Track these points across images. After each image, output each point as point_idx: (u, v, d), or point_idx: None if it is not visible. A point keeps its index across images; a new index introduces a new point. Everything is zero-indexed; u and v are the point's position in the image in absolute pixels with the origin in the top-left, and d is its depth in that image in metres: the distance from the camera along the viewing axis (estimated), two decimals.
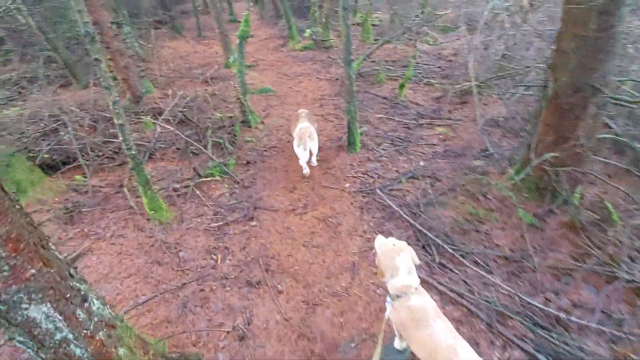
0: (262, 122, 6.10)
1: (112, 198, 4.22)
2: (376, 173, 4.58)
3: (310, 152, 4.45)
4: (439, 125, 5.73)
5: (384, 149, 5.07)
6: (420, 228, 3.48)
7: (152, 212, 3.83)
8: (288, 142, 5.57)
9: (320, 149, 5.23)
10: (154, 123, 5.52)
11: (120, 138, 3.29)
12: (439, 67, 8.44)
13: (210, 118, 5.82)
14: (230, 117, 6.07)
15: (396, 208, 3.79)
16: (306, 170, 4.55)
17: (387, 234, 3.55)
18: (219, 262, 3.46)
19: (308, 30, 11.02)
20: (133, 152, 3.38)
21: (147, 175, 3.59)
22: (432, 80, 7.60)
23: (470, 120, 5.76)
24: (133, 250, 3.57)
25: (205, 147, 5.04)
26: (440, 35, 10.15)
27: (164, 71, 8.16)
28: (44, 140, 4.62)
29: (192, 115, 5.88)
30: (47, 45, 7.75)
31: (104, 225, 3.86)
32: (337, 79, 7.77)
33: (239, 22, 14.74)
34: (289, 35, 10.64)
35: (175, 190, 4.31)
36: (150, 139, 5.23)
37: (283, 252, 3.52)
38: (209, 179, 4.53)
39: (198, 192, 4.32)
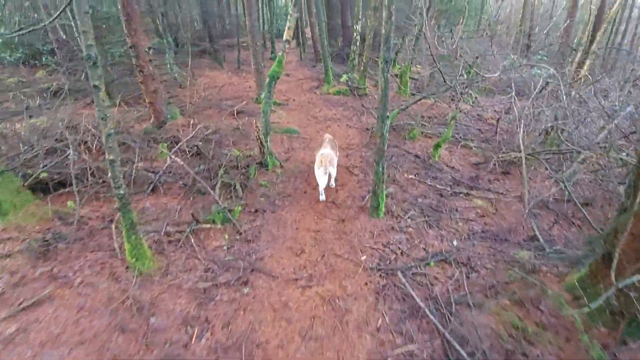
0: (281, 166, 5.57)
1: (97, 234, 3.69)
2: (399, 247, 3.85)
3: (330, 175, 4.72)
4: (477, 197, 5.00)
5: (411, 218, 4.36)
6: (450, 339, 2.68)
7: (133, 260, 3.25)
8: (305, 192, 4.98)
9: (339, 206, 4.61)
10: (167, 154, 5.11)
11: (109, 175, 2.80)
12: (478, 129, 7.83)
13: (226, 154, 5.36)
14: (249, 155, 5.61)
15: (420, 302, 3.01)
16: (322, 197, 4.72)
17: (407, 338, 2.77)
18: (193, 339, 2.77)
19: (344, 76, 10.82)
20: (121, 192, 2.87)
21: (133, 217, 3.05)
22: (470, 143, 6.96)
23: (514, 196, 5.00)
24: (99, 306, 2.95)
25: (214, 187, 4.51)
26: (481, 97, 9.64)
27: (194, 99, 7.98)
28: (45, 158, 4.25)
29: (208, 150, 5.45)
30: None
31: (77, 268, 3.29)
32: (367, 129, 7.28)
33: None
34: (325, 79, 10.45)
35: (167, 234, 3.74)
36: (159, 169, 4.78)
37: (273, 340, 2.79)
38: (208, 225, 3.94)
39: (193, 241, 3.73)
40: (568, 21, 15.25)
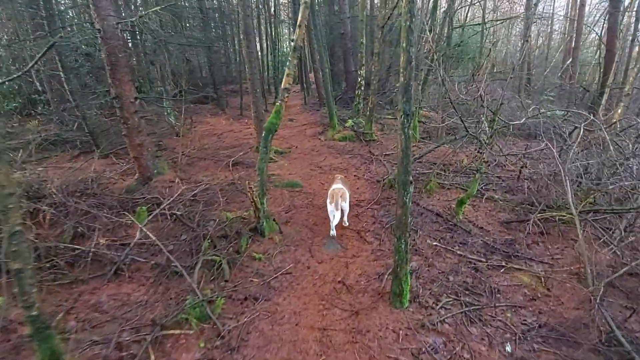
0: (281, 232, 4.63)
1: (26, 351, 2.69)
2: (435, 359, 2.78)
3: (342, 211, 4.59)
4: (519, 270, 3.96)
5: (445, 307, 3.32)
6: None
7: None
8: (308, 267, 3.99)
9: (350, 289, 3.60)
10: (143, 218, 4.22)
11: (16, 289, 1.87)
12: (498, 177, 6.91)
13: (214, 220, 4.45)
14: (243, 218, 4.69)
15: None
16: (333, 232, 4.58)
17: None
18: None
19: (350, 121, 10.18)
20: (34, 314, 1.92)
21: (54, 347, 2.06)
22: (495, 195, 6.01)
23: (568, 271, 3.96)
24: None
25: (194, 268, 3.55)
26: (500, 141, 8.81)
27: (188, 150, 7.26)
28: None
29: (194, 214, 4.56)
30: (76, 111, 7.20)
31: None
32: (378, 181, 6.39)
33: None
34: (330, 124, 9.80)
35: (119, 347, 2.73)
36: (130, 243, 3.86)
37: None
38: (177, 331, 2.93)
39: (153, 356, 2.70)
40: (570, 60, 14.87)
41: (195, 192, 5.30)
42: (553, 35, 22.83)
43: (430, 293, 3.49)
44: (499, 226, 5.08)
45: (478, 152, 5.46)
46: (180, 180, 5.77)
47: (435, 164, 7.34)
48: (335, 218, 4.45)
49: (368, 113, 9.21)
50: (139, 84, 10.17)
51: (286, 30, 28.07)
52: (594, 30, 13.86)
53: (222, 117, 11.80)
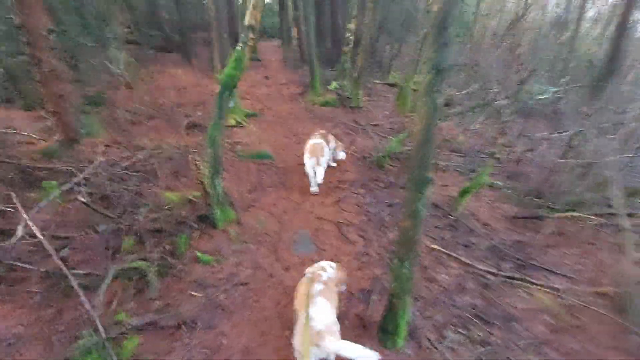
0: (239, 221, 3.53)
1: None
2: None
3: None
4: (537, 285, 3.12)
5: (451, 346, 2.42)
6: None
7: None
8: (271, 275, 2.97)
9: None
10: (56, 195, 2.98)
11: None
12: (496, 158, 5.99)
13: (148, 205, 3.27)
14: (191, 201, 3.53)
15: None
16: (314, 189, 4.28)
17: None
18: None
19: (334, 83, 8.84)
20: None
21: None
22: (498, 182, 5.12)
23: (587, 280, 3.15)
24: None
25: (101, 283, 2.43)
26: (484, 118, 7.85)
27: (134, 105, 5.82)
28: None
29: (121, 194, 3.35)
30: None
31: None
32: (365, 157, 5.30)
33: (260, 60, 12.83)
34: (311, 85, 8.44)
35: None
36: (16, 239, 2.64)
37: None
38: None
39: None
40: (568, 34, 13.81)
41: (130, 162, 4.02)
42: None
43: (432, 324, 2.56)
44: (505, 222, 4.21)
45: (500, 133, 4.42)
46: (112, 145, 4.45)
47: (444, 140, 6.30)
48: (316, 174, 4.11)
49: (356, 75, 7.91)
50: (84, 21, 8.23)
51: None
52: None
53: (188, 69, 10.07)
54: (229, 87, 3.06)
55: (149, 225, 2.98)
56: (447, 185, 4.84)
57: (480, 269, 3.20)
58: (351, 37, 8.85)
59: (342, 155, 4.87)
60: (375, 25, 9.92)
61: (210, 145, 3.15)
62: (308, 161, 4.11)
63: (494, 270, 3.22)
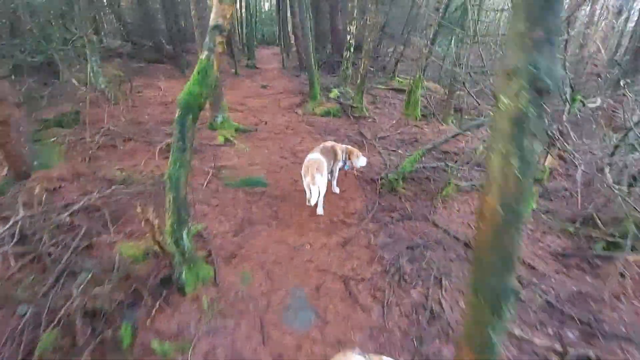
0: (216, 282, 2.68)
1: None
2: None
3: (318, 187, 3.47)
4: None
5: None
6: None
7: None
8: None
9: None
10: None
11: None
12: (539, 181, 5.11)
13: (89, 272, 2.44)
14: (155, 253, 2.70)
15: None
16: (311, 203, 3.61)
17: None
18: None
19: (335, 90, 8.02)
20: None
21: None
22: (533, 205, 4.22)
23: None
24: None
25: None
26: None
27: (107, 127, 5.03)
28: None
29: (60, 255, 2.53)
30: None
31: None
32: (374, 181, 4.44)
33: (258, 68, 12.06)
34: (310, 94, 7.62)
35: None
36: None
37: None
38: None
39: None
40: (573, 32, 12.83)
41: (88, 201, 3.21)
42: None
43: None
44: (553, 262, 3.31)
45: (551, 145, 3.52)
46: (70, 179, 3.65)
47: (447, 152, 5.44)
48: (314, 192, 3.51)
49: (359, 81, 7.07)
50: (63, 29, 7.51)
51: None
52: None
53: (179, 81, 9.32)
54: (191, 109, 2.23)
55: (86, 302, 2.14)
56: (472, 213, 3.96)
57: (541, 346, 2.32)
58: (352, 41, 8.04)
59: (362, 162, 4.05)
60: (378, 27, 9.11)
61: (171, 188, 2.31)
62: (304, 179, 3.59)
63: (558, 345, 2.33)
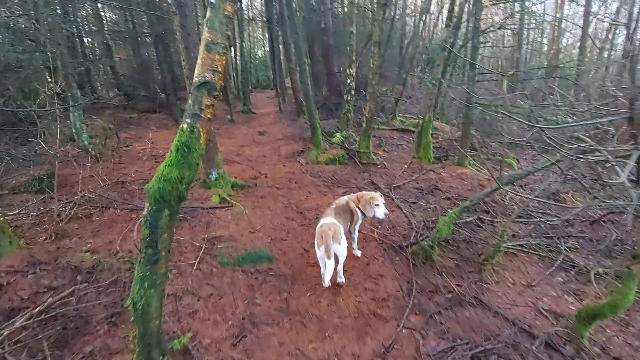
0: None
1: None
2: None
3: (336, 259, 2.84)
4: None
5: None
6: None
7: None
8: None
9: None
10: None
11: None
12: (541, 215, 4.31)
13: None
14: None
15: None
16: (325, 283, 2.98)
17: None
18: None
19: (338, 135, 7.42)
20: None
21: None
22: (599, 269, 3.40)
23: None
24: None
25: None
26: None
27: (81, 194, 4.24)
28: None
29: None
30: None
31: None
32: (401, 247, 3.61)
33: (254, 113, 11.60)
34: (313, 140, 6.98)
35: None
36: None
37: None
38: None
39: None
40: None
41: (29, 312, 2.32)
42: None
43: None
44: None
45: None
46: (23, 270, 2.78)
47: (485, 203, 4.68)
48: (327, 268, 2.82)
49: (364, 125, 6.46)
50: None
51: (260, 34, 25.09)
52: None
53: (173, 131, 8.72)
54: (167, 201, 1.45)
55: None
56: (530, 286, 3.12)
57: None
58: (352, 84, 7.58)
59: (381, 212, 3.23)
60: (379, 69, 8.74)
61: (136, 319, 1.47)
62: (317, 251, 2.91)
63: None
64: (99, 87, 11.30)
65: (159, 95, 11.01)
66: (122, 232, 3.70)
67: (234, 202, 4.59)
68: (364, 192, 3.37)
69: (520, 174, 3.57)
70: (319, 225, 2.95)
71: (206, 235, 3.70)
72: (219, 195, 4.72)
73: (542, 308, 2.83)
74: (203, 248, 3.43)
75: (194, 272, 3.16)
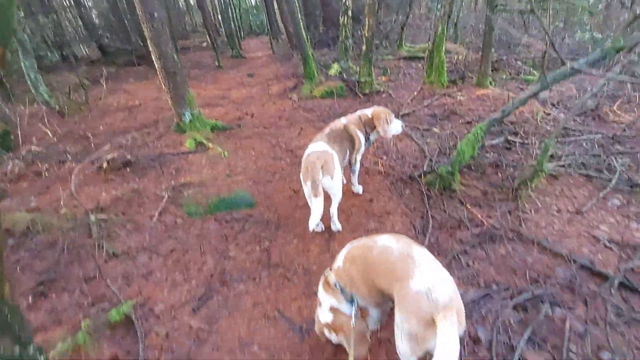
0: None
1: None
2: None
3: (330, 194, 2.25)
4: None
5: None
6: None
7: None
8: None
9: None
10: None
11: None
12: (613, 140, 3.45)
13: None
14: None
15: None
16: (311, 226, 2.09)
17: None
18: None
19: (335, 66, 6.43)
20: None
21: None
22: None
23: None
24: None
25: None
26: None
27: (45, 145, 3.59)
28: None
29: None
30: None
31: None
32: (412, 178, 2.89)
33: (244, 58, 10.50)
34: (305, 74, 6.04)
35: None
36: None
37: None
38: None
39: None
40: None
41: None
42: None
43: None
44: None
45: None
46: None
47: (503, 123, 3.84)
48: (314, 208, 2.07)
49: (364, 49, 5.42)
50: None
51: None
52: None
53: (152, 80, 7.85)
54: None
55: None
56: (580, 212, 2.39)
57: None
58: (349, 4, 6.38)
59: (396, 127, 2.53)
60: None
61: None
62: (304, 188, 2.22)
63: None
64: (73, 42, 10.28)
65: (140, 47, 9.95)
66: (64, 191, 3.06)
67: (211, 145, 3.87)
68: (373, 108, 2.57)
69: (565, 71, 2.66)
70: (306, 153, 2.24)
71: (172, 183, 3.05)
72: (195, 139, 4.00)
73: (603, 239, 2.12)
74: (166, 197, 2.79)
75: (154, 225, 2.54)
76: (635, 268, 1.81)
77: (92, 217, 2.47)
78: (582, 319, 1.58)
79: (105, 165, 3.22)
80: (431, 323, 1.12)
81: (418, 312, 1.14)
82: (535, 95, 2.60)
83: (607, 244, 2.07)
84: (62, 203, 2.74)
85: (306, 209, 2.32)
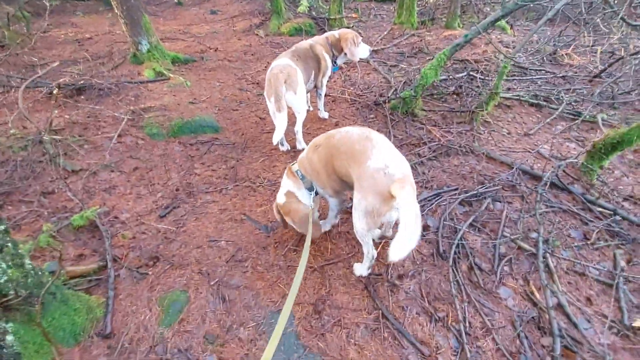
0: (105, 332, 1.26)
1: None
2: None
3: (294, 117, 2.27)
4: None
5: None
6: None
7: None
8: None
9: None
10: None
11: None
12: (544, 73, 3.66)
13: None
14: None
15: None
16: (275, 140, 2.08)
17: None
18: None
19: (304, 2, 6.07)
20: None
21: None
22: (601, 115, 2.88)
23: None
24: None
25: None
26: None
27: None
28: None
29: None
30: None
31: None
32: (378, 103, 2.93)
33: None
34: (273, 9, 5.68)
35: None
36: None
37: None
38: None
39: None
40: None
41: None
42: None
43: None
44: None
45: None
46: None
47: (466, 61, 3.92)
48: (279, 123, 2.07)
49: None
50: None
51: None
52: None
53: (102, 14, 7.05)
54: None
55: None
56: (528, 134, 2.59)
57: None
58: None
59: (364, 50, 2.52)
60: None
61: None
62: (268, 104, 2.20)
63: None
64: None
65: None
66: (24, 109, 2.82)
67: (172, 75, 3.66)
68: (340, 30, 2.52)
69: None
70: (270, 68, 2.18)
71: (132, 107, 2.89)
72: (154, 69, 3.74)
73: (544, 154, 2.33)
74: (125, 119, 2.66)
75: (114, 145, 2.44)
76: (566, 170, 2.02)
77: (46, 137, 2.32)
78: (517, 210, 1.78)
79: (56, 90, 2.97)
80: (387, 197, 1.21)
81: (375, 187, 1.22)
82: (495, 22, 2.65)
83: (547, 157, 2.28)
84: (10, 125, 2.53)
85: (273, 133, 2.32)
